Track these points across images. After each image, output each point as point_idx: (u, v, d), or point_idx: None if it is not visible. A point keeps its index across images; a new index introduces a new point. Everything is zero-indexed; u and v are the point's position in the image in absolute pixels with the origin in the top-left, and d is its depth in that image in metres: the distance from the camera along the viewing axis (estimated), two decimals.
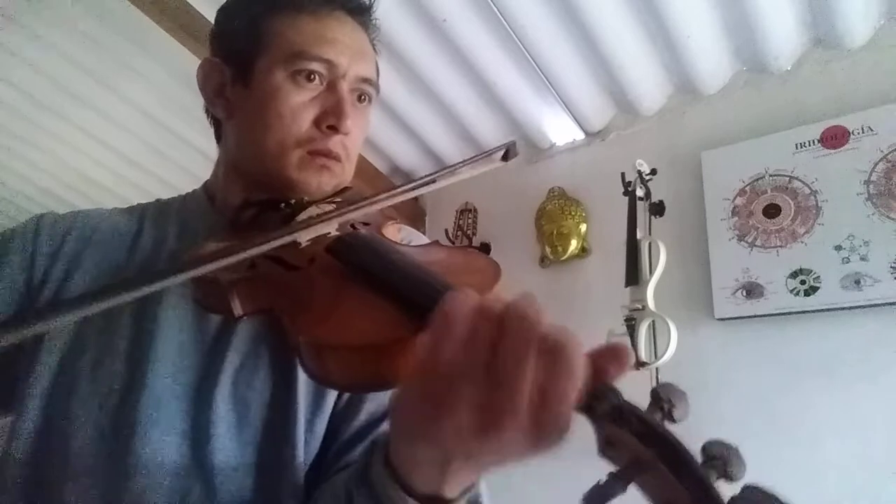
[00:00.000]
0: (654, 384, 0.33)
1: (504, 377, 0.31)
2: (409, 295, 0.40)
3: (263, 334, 0.60)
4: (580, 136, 2.37)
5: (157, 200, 0.76)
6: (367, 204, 0.51)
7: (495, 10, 1.80)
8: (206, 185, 0.76)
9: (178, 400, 0.56)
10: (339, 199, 0.68)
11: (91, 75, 2.27)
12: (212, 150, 0.76)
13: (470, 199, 2.60)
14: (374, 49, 0.71)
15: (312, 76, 0.63)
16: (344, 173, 0.68)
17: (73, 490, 0.53)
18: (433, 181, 0.56)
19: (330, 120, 0.63)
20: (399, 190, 0.54)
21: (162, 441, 0.54)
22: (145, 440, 0.53)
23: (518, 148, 0.57)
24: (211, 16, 0.71)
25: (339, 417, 0.60)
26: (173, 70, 2.18)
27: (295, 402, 0.57)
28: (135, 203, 0.76)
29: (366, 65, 0.67)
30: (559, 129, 2.36)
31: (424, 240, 0.74)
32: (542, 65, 2.00)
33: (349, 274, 0.48)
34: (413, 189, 0.54)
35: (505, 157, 0.59)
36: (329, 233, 0.54)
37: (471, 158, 0.59)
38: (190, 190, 0.78)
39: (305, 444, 0.57)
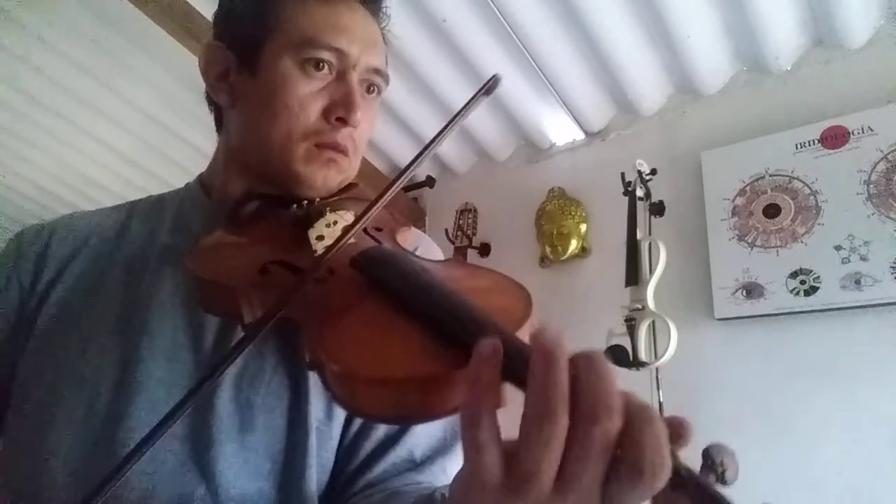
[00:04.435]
0: (662, 409, 0.32)
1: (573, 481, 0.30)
2: (448, 325, 0.38)
3: (266, 337, 0.56)
4: (580, 136, 2.37)
5: (149, 196, 0.73)
6: (386, 197, 0.48)
7: (495, 10, 1.80)
8: (201, 177, 0.73)
9: (174, 403, 0.54)
10: (346, 197, 0.66)
11: (91, 75, 2.27)
12: (212, 149, 0.74)
13: (470, 199, 2.60)
14: (385, 40, 0.68)
15: (322, 65, 0.60)
16: (350, 168, 0.65)
17: (60, 498, 0.50)
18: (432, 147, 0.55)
19: (339, 112, 0.60)
20: (407, 169, 0.52)
21: (158, 445, 0.51)
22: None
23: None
24: (211, 16, 0.69)
25: (355, 434, 0.57)
26: (173, 70, 2.18)
27: (306, 408, 0.54)
28: None
29: (377, 55, 0.64)
30: (559, 129, 2.36)
31: (428, 240, 0.72)
32: (542, 65, 2.00)
33: (376, 291, 0.46)
34: (417, 160, 0.52)
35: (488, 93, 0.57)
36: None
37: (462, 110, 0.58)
38: None
39: (317, 456, 0.54)
